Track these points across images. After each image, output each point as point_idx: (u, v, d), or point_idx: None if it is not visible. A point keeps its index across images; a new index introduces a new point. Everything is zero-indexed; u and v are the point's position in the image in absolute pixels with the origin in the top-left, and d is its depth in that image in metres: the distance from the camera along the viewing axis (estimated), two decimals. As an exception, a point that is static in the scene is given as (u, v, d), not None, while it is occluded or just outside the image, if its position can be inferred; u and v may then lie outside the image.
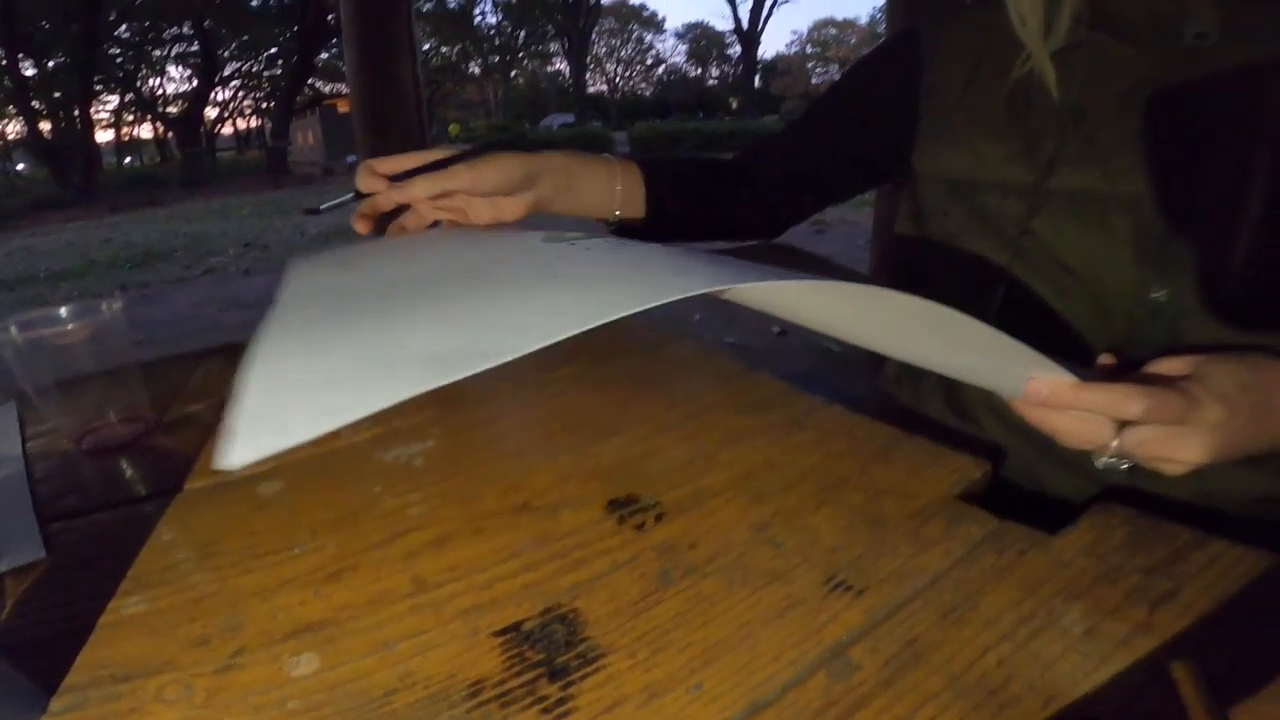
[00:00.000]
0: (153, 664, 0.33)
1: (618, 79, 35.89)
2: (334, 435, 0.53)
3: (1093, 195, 0.51)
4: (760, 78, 33.95)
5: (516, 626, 0.34)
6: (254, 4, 18.05)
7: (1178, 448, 0.38)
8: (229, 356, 0.70)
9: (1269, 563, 0.36)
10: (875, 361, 0.59)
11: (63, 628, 0.35)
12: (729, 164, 0.72)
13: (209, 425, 0.56)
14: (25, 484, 0.49)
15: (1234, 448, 0.38)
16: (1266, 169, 0.46)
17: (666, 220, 0.67)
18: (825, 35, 37.22)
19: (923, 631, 0.33)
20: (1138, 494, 0.51)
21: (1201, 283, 0.48)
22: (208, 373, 0.68)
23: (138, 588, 0.38)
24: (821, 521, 0.41)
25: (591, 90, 33.72)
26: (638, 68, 36.68)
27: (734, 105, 31.11)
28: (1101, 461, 0.42)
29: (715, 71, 37.25)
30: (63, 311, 0.53)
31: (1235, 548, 0.37)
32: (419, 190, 0.54)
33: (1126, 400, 0.37)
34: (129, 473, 0.51)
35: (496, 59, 28.32)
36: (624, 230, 0.68)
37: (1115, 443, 0.40)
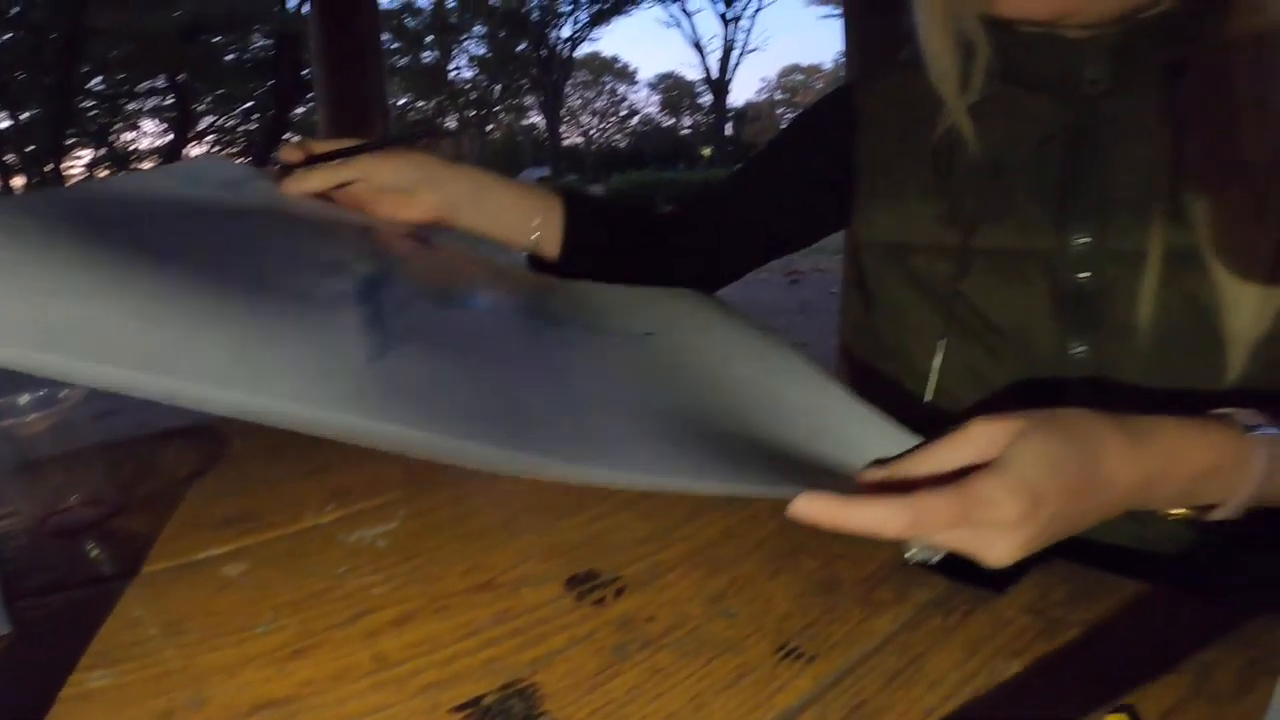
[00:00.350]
0: (115, 742, 0.33)
1: (593, 131, 36.71)
2: (298, 517, 0.53)
3: (1012, 252, 0.53)
4: (732, 125, 34.84)
5: (476, 701, 0.34)
6: (228, 58, 18.27)
7: (977, 549, 0.35)
8: (191, 438, 0.70)
9: (1209, 613, 0.38)
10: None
11: (28, 701, 0.36)
12: (666, 214, 0.72)
13: (172, 505, 0.57)
14: (-11, 563, 0.49)
15: (1051, 535, 0.35)
16: (1162, 219, 0.48)
17: (586, 262, 0.64)
18: (793, 81, 38.46)
19: (870, 695, 0.34)
20: (1083, 544, 0.52)
21: (1117, 335, 0.50)
22: (171, 452, 0.68)
23: (102, 662, 0.38)
24: (776, 589, 0.42)
25: (567, 143, 34.38)
26: (612, 119, 37.57)
27: (706, 154, 31.85)
28: (910, 554, 0.43)
29: (688, 120, 38.21)
30: (23, 400, 0.53)
31: (1176, 596, 0.38)
32: (314, 182, 0.53)
33: (886, 523, 0.33)
34: (94, 553, 0.51)
35: (473, 113, 28.87)
36: (538, 265, 0.66)
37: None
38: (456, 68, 27.44)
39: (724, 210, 0.71)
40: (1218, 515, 0.41)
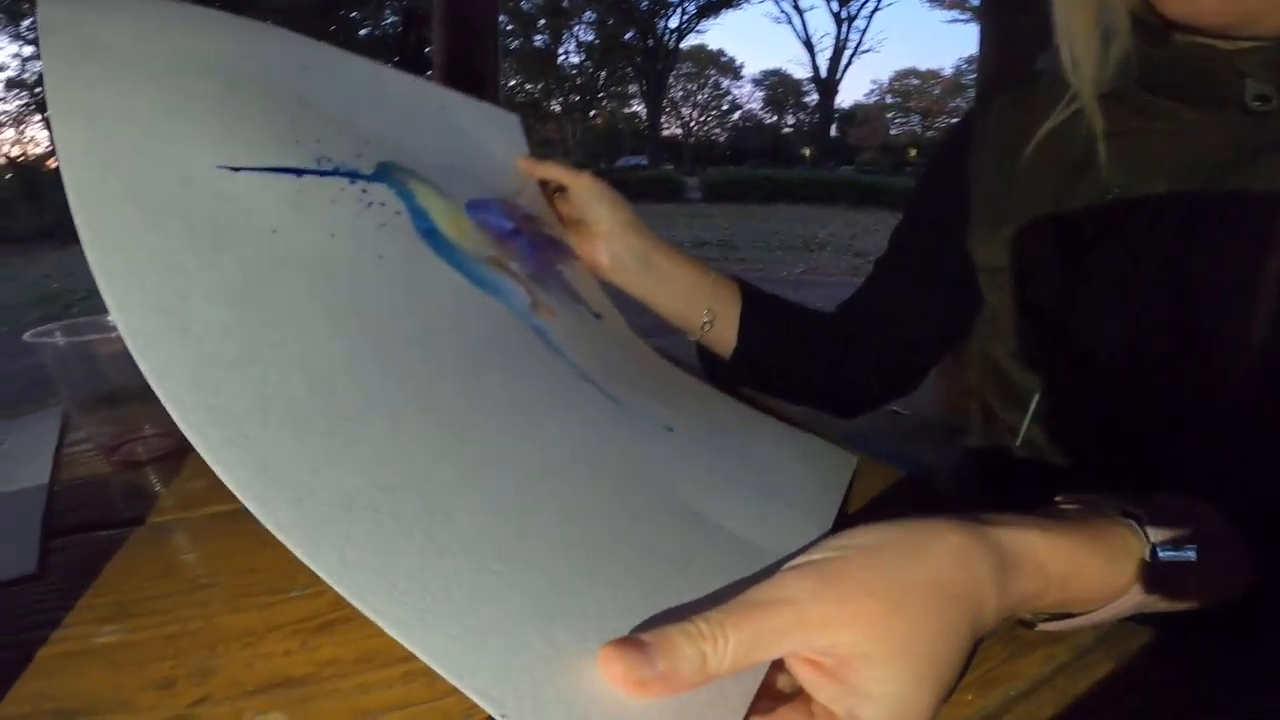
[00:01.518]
0: (103, 702, 0.30)
1: (693, 123, 36.50)
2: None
3: (1133, 278, 0.46)
4: (837, 127, 33.94)
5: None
6: (362, 33, 19.03)
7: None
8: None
9: None
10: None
11: (26, 652, 0.33)
12: (830, 316, 0.67)
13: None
14: (43, 495, 0.48)
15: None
16: None
17: (758, 360, 0.62)
18: (907, 85, 37.01)
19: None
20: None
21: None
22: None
23: (118, 614, 0.36)
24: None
25: (666, 133, 34.36)
26: (713, 113, 37.24)
27: (807, 153, 31.17)
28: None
29: (791, 119, 37.48)
30: (110, 318, 0.52)
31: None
32: (548, 169, 0.60)
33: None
34: (156, 487, 0.50)
35: (577, 98, 29.20)
36: (706, 359, 0.65)
37: None
38: (565, 53, 27.84)
39: (886, 300, 0.64)
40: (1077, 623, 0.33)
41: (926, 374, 0.66)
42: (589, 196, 0.60)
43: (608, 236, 0.60)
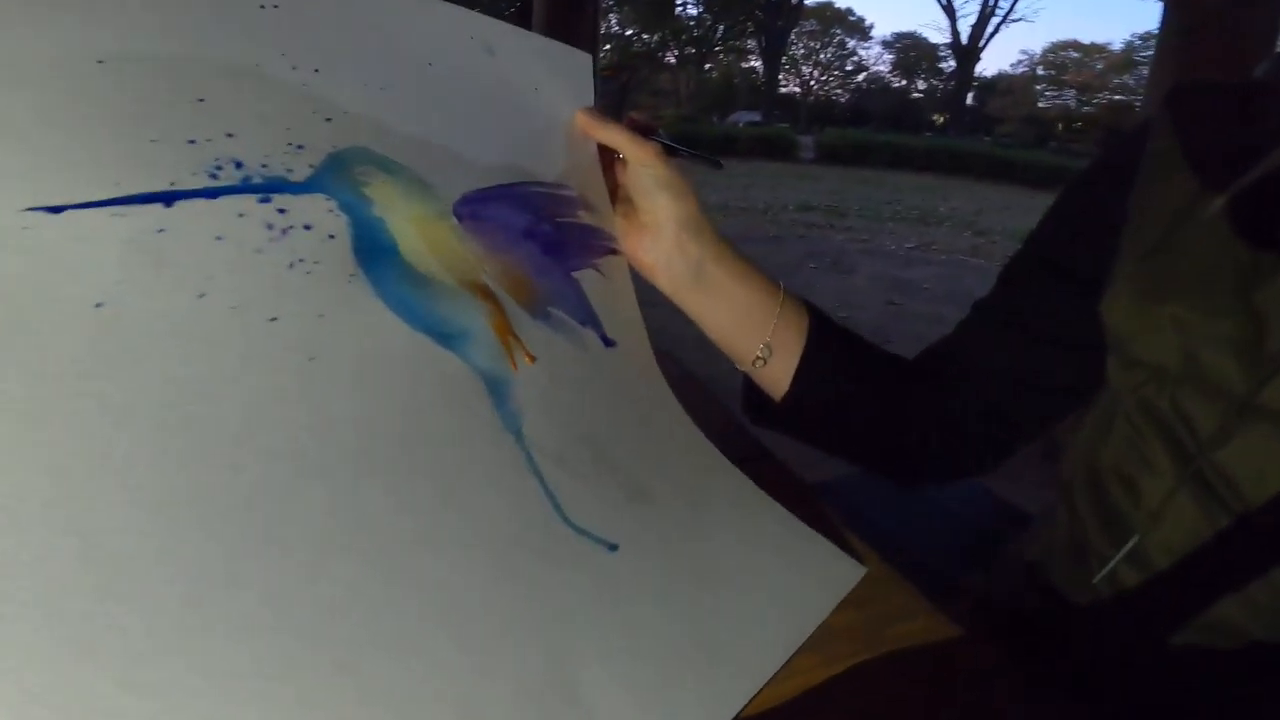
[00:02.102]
0: None
1: (812, 82, 34.88)
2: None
3: None
4: (974, 96, 31.59)
5: None
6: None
7: None
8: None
9: None
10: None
11: None
12: (909, 362, 0.55)
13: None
14: None
15: None
16: None
17: (814, 407, 0.51)
18: (1063, 58, 33.63)
19: None
20: None
21: None
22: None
23: None
24: None
25: (783, 91, 33.02)
26: (835, 73, 35.39)
27: (939, 120, 29.17)
28: None
29: (922, 85, 35.15)
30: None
31: None
32: (610, 132, 0.48)
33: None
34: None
35: (693, 50, 28.47)
36: (750, 398, 0.54)
37: None
38: (683, 4, 27.13)
39: (983, 354, 0.51)
40: None
41: (1013, 453, 0.53)
42: (650, 179, 0.49)
43: (660, 232, 0.49)
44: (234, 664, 0.24)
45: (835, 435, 0.54)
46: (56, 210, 0.26)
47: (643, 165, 0.48)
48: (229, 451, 0.27)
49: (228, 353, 0.29)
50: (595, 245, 0.50)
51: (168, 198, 0.29)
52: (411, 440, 0.33)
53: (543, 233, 0.46)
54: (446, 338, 0.37)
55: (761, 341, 0.51)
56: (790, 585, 0.41)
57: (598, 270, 0.49)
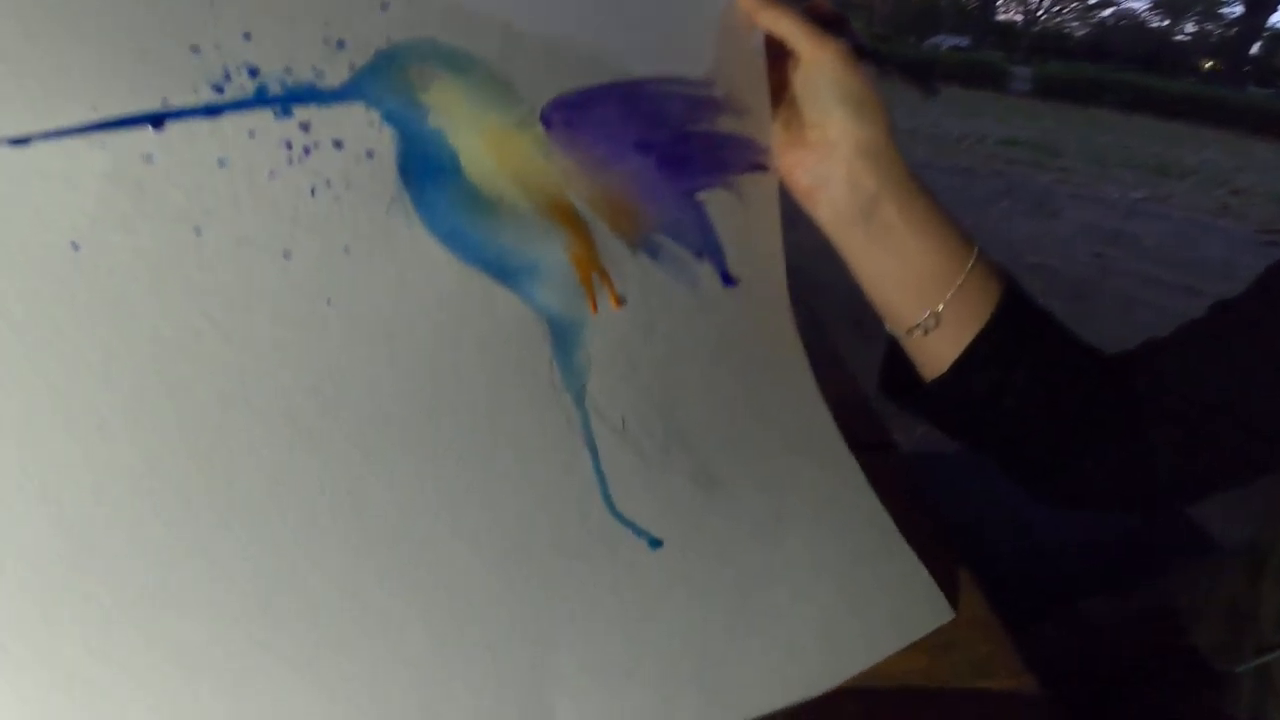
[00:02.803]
0: None
1: (1040, 11, 30.64)
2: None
3: None
4: (1262, 46, 26.40)
5: None
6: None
7: None
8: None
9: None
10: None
11: None
12: (1112, 359, 0.43)
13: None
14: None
15: None
16: None
17: (973, 397, 0.41)
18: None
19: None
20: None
21: None
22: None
23: None
24: None
25: (1001, 18, 29.42)
26: (1074, 4, 30.84)
27: (1208, 66, 24.65)
28: None
29: (1191, 27, 29.79)
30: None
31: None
32: (780, 21, 0.38)
33: None
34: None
35: (898, -33, 26.07)
36: (892, 369, 0.44)
37: None
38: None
39: (1208, 373, 0.40)
40: None
41: (1206, 497, 0.41)
42: (829, 88, 0.38)
43: (830, 155, 0.39)
44: (194, 640, 0.23)
45: (991, 433, 0.43)
46: (21, 142, 0.22)
47: (821, 69, 0.38)
48: (214, 417, 0.24)
49: (224, 299, 0.25)
50: (736, 159, 0.40)
51: (157, 119, 0.24)
52: (438, 404, 0.28)
53: (662, 143, 0.37)
54: (507, 273, 0.31)
55: (931, 307, 0.40)
56: (852, 616, 0.35)
57: (733, 191, 0.40)
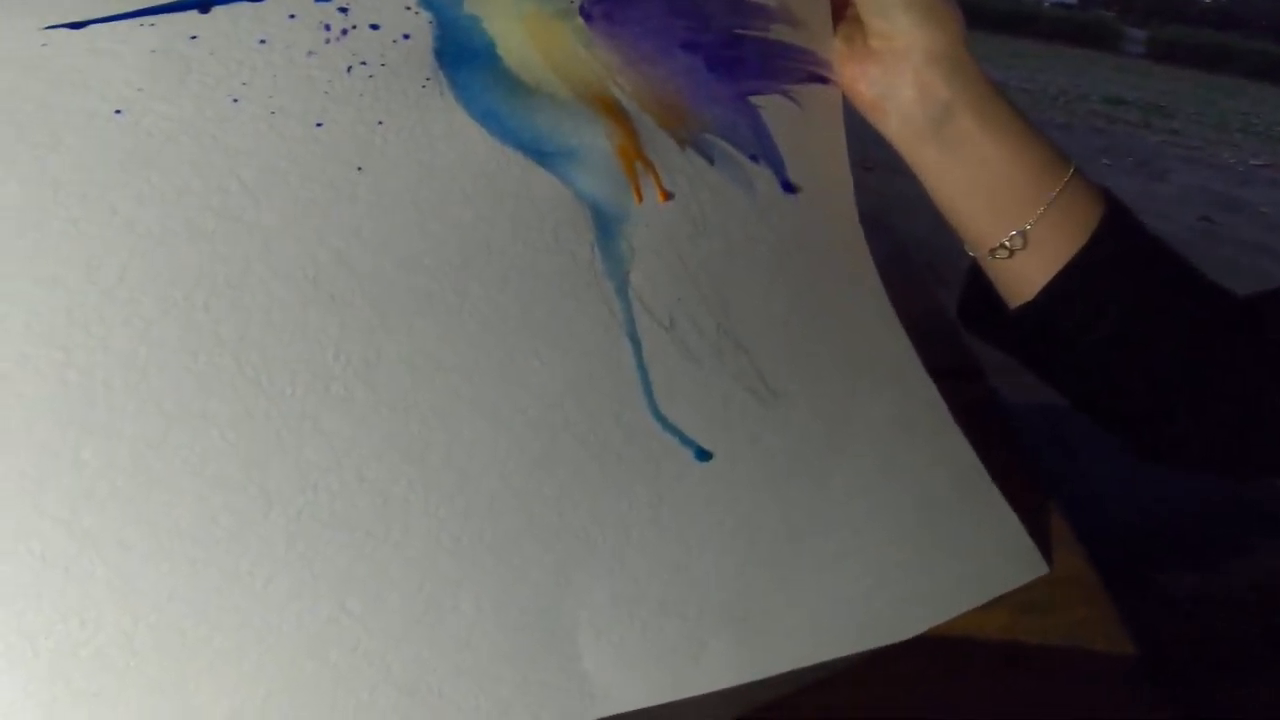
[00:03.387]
0: None
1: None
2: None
3: None
4: None
5: None
6: None
7: None
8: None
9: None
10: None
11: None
12: (1236, 299, 0.39)
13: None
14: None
15: None
16: None
17: (1067, 326, 0.38)
18: None
19: None
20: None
21: None
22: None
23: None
24: None
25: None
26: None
27: None
28: None
29: None
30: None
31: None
32: None
33: None
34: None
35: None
36: (972, 297, 0.41)
37: None
38: None
39: None
40: None
41: None
42: None
43: (897, 64, 0.36)
44: (178, 519, 0.22)
45: (1081, 372, 0.39)
46: (78, 26, 0.24)
47: None
48: (235, 272, 0.24)
49: (256, 162, 0.25)
50: (793, 68, 0.38)
51: (203, 3, 0.26)
52: (467, 274, 0.27)
53: (711, 44, 0.35)
54: (545, 156, 0.30)
55: (1017, 226, 0.37)
56: (922, 562, 0.32)
57: (792, 99, 0.38)
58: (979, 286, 0.41)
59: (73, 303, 0.22)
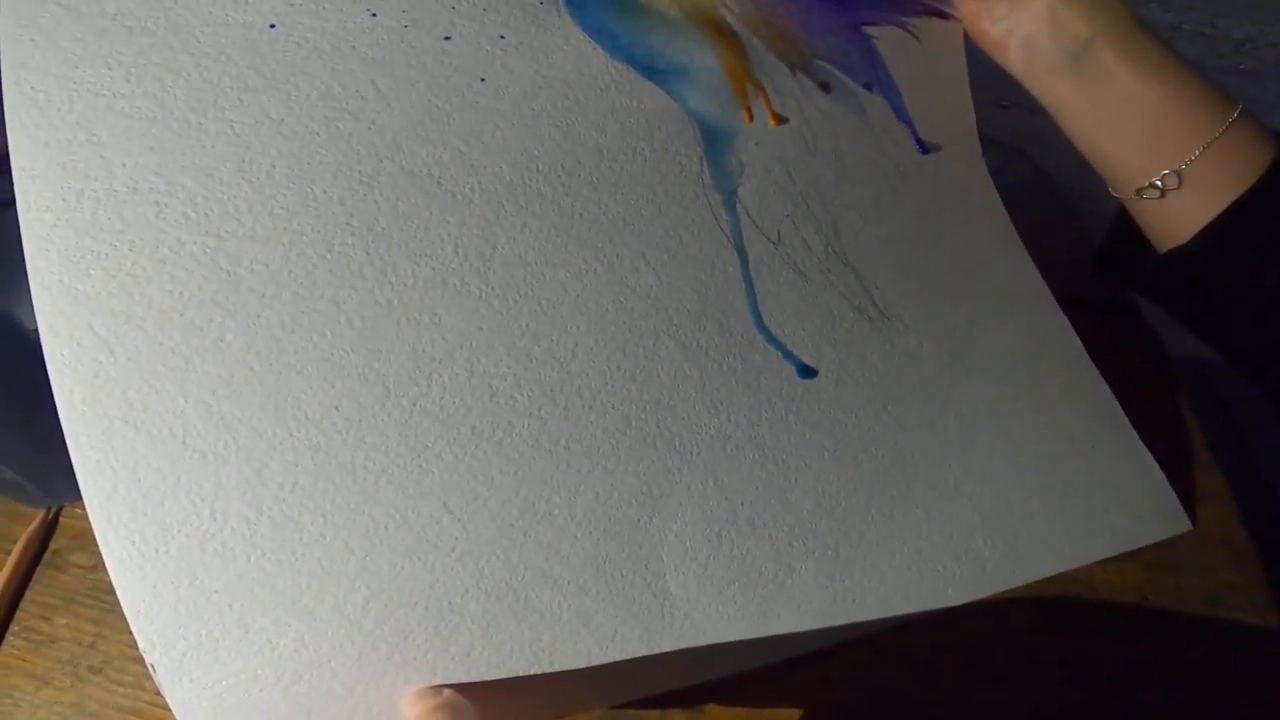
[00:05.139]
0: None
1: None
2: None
3: None
4: None
5: None
6: None
7: None
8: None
9: None
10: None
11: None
12: None
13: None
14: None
15: None
16: None
17: (1237, 268, 0.34)
18: None
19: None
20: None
21: None
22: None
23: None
24: None
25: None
26: None
27: None
28: None
29: None
30: None
31: None
32: None
33: None
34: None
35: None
36: (1117, 245, 0.38)
37: None
38: None
39: None
40: None
41: None
42: None
43: (1021, 2, 0.35)
44: (305, 406, 0.23)
45: (1240, 324, 0.36)
46: None
47: None
48: (368, 170, 0.26)
49: (389, 71, 0.27)
50: (908, 1, 0.37)
51: None
52: (579, 179, 0.28)
53: None
54: (656, 72, 0.31)
55: (1171, 165, 0.34)
56: (1044, 507, 0.30)
57: (909, 32, 0.37)
58: (1124, 231, 0.38)
59: (226, 195, 0.24)
